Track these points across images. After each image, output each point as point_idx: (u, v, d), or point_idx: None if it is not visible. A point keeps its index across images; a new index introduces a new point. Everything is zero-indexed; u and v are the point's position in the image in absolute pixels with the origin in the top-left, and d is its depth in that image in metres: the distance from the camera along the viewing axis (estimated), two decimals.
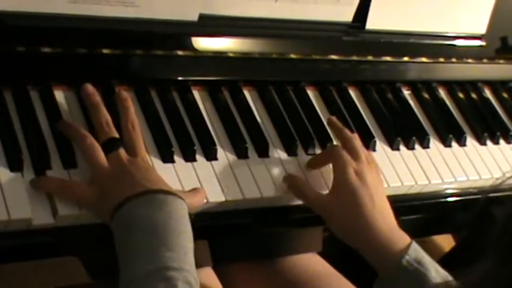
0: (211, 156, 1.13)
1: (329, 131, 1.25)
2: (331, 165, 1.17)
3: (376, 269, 1.11)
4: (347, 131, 1.20)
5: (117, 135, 1.03)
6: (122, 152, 1.01)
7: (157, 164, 1.08)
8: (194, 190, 1.06)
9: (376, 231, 1.09)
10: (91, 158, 1.00)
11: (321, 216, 1.13)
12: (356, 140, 1.18)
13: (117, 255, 0.94)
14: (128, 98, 1.08)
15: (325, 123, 1.26)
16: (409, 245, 1.08)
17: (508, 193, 1.38)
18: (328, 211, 1.12)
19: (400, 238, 1.10)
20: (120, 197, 0.95)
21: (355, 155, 1.14)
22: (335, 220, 1.12)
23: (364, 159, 1.15)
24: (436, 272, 1.07)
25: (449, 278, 1.07)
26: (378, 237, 1.09)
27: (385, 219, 1.11)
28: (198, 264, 1.24)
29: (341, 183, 1.11)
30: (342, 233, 1.12)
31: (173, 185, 1.05)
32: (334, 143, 1.23)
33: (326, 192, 1.15)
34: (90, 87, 1.07)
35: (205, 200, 1.06)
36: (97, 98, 1.06)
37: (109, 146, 1.01)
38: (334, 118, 1.23)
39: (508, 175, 1.27)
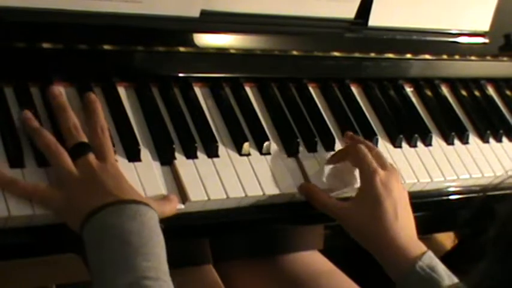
0: (212, 153, 1.12)
1: (331, 128, 1.25)
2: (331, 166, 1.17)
3: (390, 276, 1.11)
4: (369, 142, 1.20)
5: (85, 139, 1.00)
6: (91, 156, 0.98)
7: (156, 164, 1.07)
8: (166, 198, 1.03)
9: (394, 241, 1.09)
10: (57, 165, 0.97)
11: (338, 221, 1.13)
12: (379, 151, 1.18)
13: (88, 266, 0.92)
14: (96, 100, 1.05)
15: (327, 120, 1.26)
16: (424, 253, 1.09)
17: (510, 191, 1.38)
18: (349, 218, 1.12)
19: (416, 247, 1.10)
20: (90, 206, 0.92)
21: (381, 163, 1.15)
22: (355, 226, 1.12)
23: (390, 168, 1.15)
24: (450, 280, 1.08)
25: (461, 285, 1.07)
26: (394, 245, 1.09)
27: (405, 230, 1.11)
28: (199, 262, 1.25)
29: (367, 191, 1.12)
30: (360, 238, 1.13)
31: (174, 182, 1.05)
32: (336, 140, 1.23)
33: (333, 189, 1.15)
34: (56, 89, 1.04)
35: (180, 206, 1.04)
36: (63, 99, 1.03)
37: (77, 151, 0.98)
38: (351, 133, 1.23)
39: (510, 173, 1.27)
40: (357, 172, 1.17)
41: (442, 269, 1.09)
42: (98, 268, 0.90)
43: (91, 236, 0.92)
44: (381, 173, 1.13)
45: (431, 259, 1.09)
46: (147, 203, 0.95)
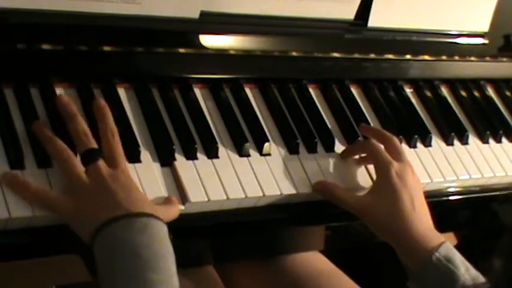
0: (212, 154, 1.12)
1: (331, 128, 1.25)
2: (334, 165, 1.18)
3: (407, 266, 1.13)
4: (385, 132, 1.22)
5: (95, 145, 1.00)
6: (102, 163, 0.98)
7: (156, 165, 1.07)
8: (168, 202, 1.03)
9: (411, 231, 1.11)
10: (68, 173, 0.97)
11: (356, 215, 1.14)
12: (396, 140, 1.20)
13: (98, 279, 0.92)
14: (105, 105, 1.04)
15: (327, 121, 1.26)
16: (440, 244, 1.11)
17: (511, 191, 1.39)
18: (367, 211, 1.14)
19: (434, 237, 1.12)
20: (100, 219, 0.92)
21: (396, 156, 1.17)
22: (373, 219, 1.14)
23: (405, 160, 1.17)
24: (466, 271, 1.09)
25: (480, 277, 1.08)
26: (412, 236, 1.11)
27: (422, 220, 1.13)
28: (199, 263, 1.25)
29: (383, 185, 1.14)
30: (378, 230, 1.14)
31: (174, 183, 1.05)
32: (336, 142, 1.23)
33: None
34: (65, 98, 1.04)
35: (180, 207, 1.04)
36: (73, 107, 1.03)
37: (88, 158, 0.98)
38: (366, 125, 1.25)
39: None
40: (362, 168, 1.19)
41: (459, 260, 1.10)
42: (108, 280, 0.91)
43: (101, 249, 0.92)
44: (395, 165, 1.15)
45: (448, 250, 1.10)
46: (156, 215, 0.95)
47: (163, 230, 0.94)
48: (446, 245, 1.11)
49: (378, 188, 1.15)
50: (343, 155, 1.21)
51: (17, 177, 0.96)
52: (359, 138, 1.25)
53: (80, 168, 0.97)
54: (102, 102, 1.05)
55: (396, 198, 1.12)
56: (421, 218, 1.13)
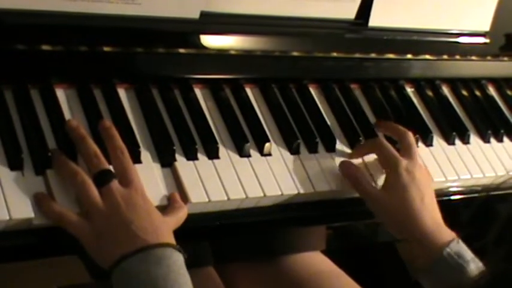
0: (213, 154, 1.12)
1: (331, 128, 1.25)
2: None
3: (410, 265, 1.16)
4: (401, 127, 1.23)
5: (107, 166, 1.00)
6: (115, 185, 0.99)
7: (156, 166, 1.07)
8: (175, 206, 1.04)
9: (422, 226, 1.13)
10: (84, 197, 0.98)
11: (370, 208, 1.16)
12: (410, 136, 1.22)
13: None
14: (111, 125, 1.05)
15: (327, 120, 1.26)
16: (451, 240, 1.13)
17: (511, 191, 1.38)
18: (381, 206, 1.15)
19: (444, 233, 1.14)
20: (116, 254, 0.94)
21: (408, 152, 1.19)
22: (386, 214, 1.16)
23: (416, 157, 1.19)
24: (476, 267, 1.11)
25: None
26: (423, 231, 1.13)
27: (432, 216, 1.15)
28: (199, 264, 1.24)
29: (393, 182, 1.16)
30: (390, 225, 1.17)
31: (174, 184, 1.05)
32: (337, 142, 1.23)
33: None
34: (73, 121, 1.04)
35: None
36: (82, 130, 1.03)
37: (101, 179, 0.99)
38: (381, 120, 1.27)
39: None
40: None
41: (469, 256, 1.12)
42: None
43: (119, 281, 0.94)
44: (404, 161, 1.16)
45: (459, 246, 1.13)
46: (171, 243, 0.97)
47: (179, 259, 0.96)
48: (456, 240, 1.13)
49: (388, 184, 1.16)
50: (353, 156, 1.22)
51: (45, 197, 0.97)
52: (360, 138, 1.25)
53: (94, 192, 0.98)
54: (108, 123, 1.05)
55: (406, 194, 1.14)
56: (431, 214, 1.15)
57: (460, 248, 1.13)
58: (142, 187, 1.01)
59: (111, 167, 1.01)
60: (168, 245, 0.96)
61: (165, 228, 0.98)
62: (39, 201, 0.96)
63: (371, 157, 1.22)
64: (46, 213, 0.96)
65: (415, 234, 1.14)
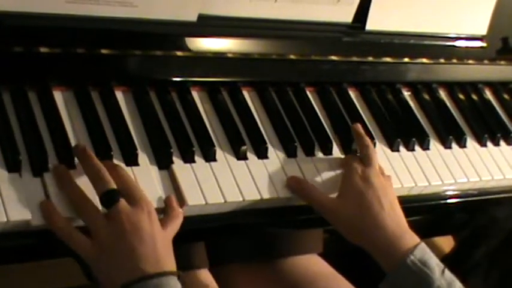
0: (210, 157, 1.12)
1: (328, 132, 1.25)
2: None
3: (382, 267, 1.12)
4: (366, 139, 1.21)
5: (113, 185, 0.99)
6: (121, 205, 0.98)
7: (153, 168, 1.08)
8: (173, 214, 1.03)
9: (383, 232, 1.11)
10: (89, 219, 0.97)
11: (326, 218, 1.14)
12: (370, 148, 1.20)
13: None
14: (114, 164, 1.04)
15: (324, 124, 1.26)
16: (416, 246, 1.10)
17: (509, 195, 1.39)
18: (335, 213, 1.13)
19: (408, 239, 1.11)
20: (116, 281, 0.95)
21: (367, 161, 1.17)
22: (342, 222, 1.13)
23: (374, 166, 1.17)
24: (441, 274, 1.08)
25: (456, 282, 1.08)
26: (384, 237, 1.10)
27: (393, 220, 1.12)
28: (194, 266, 1.24)
29: (347, 188, 1.14)
30: (349, 234, 1.14)
31: (171, 186, 1.05)
32: (334, 144, 1.23)
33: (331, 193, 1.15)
34: (80, 145, 1.04)
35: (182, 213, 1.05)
36: (89, 152, 1.02)
37: (107, 200, 0.98)
38: (358, 125, 1.24)
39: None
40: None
41: (435, 263, 1.09)
42: None
43: None
44: (359, 169, 1.15)
45: (423, 252, 1.10)
46: (171, 271, 0.97)
47: (177, 286, 0.97)
48: (421, 246, 1.10)
49: (342, 193, 1.14)
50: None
51: (51, 207, 0.97)
52: None
53: (99, 215, 0.97)
54: (111, 163, 1.04)
55: (362, 199, 1.12)
56: (392, 218, 1.12)
57: (425, 254, 1.09)
58: (149, 204, 1.00)
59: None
60: (165, 273, 0.96)
61: (166, 247, 0.99)
62: (45, 212, 0.96)
63: (324, 164, 1.21)
64: (51, 226, 0.96)
65: (376, 239, 1.10)
